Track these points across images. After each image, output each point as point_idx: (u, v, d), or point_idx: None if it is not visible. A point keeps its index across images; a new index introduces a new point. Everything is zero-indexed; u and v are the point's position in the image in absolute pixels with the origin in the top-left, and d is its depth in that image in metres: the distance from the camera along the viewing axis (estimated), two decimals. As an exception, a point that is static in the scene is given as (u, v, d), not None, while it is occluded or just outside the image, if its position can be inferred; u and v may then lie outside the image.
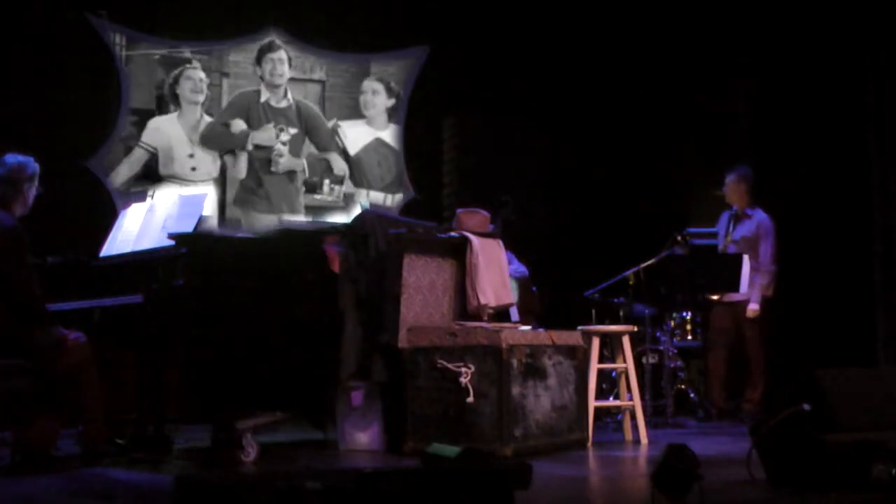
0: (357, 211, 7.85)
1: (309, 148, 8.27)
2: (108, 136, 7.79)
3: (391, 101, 8.53)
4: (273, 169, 8.10)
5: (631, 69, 8.68)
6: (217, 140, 8.02)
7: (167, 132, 7.88)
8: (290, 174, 8.17)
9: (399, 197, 8.47)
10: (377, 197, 8.38)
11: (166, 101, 7.93)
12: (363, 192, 8.34)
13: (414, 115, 8.62)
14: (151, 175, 7.80)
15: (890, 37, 7.16)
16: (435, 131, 8.82)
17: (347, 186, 8.34)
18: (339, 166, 8.31)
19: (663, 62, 8.61)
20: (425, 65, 8.62)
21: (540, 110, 8.70)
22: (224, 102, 8.10)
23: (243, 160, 8.04)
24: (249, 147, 8.07)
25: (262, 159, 8.12)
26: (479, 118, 8.66)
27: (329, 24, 8.39)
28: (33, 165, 4.89)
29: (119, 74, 7.84)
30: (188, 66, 7.96)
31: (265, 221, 8.01)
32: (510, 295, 6.01)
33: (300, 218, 8.12)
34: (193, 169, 7.87)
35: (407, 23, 8.51)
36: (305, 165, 8.20)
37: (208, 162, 7.95)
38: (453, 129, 8.81)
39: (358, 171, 8.38)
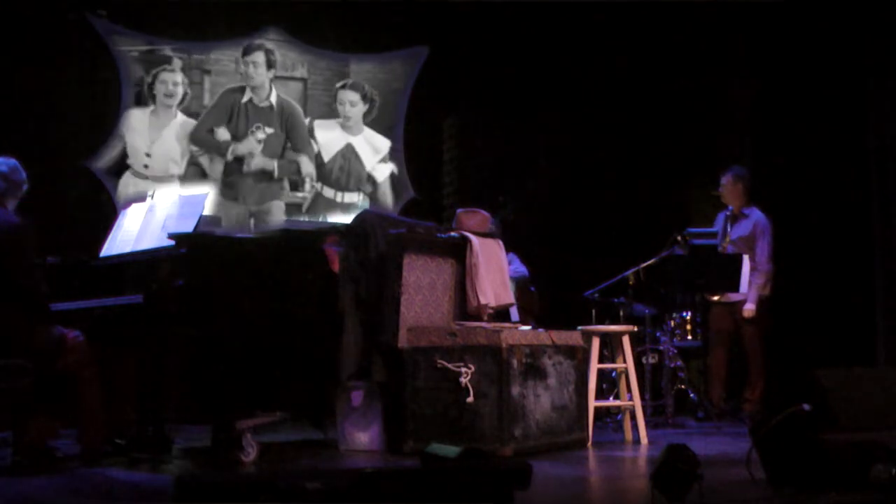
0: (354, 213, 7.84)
1: (285, 148, 8.24)
2: (108, 136, 7.80)
3: (366, 107, 8.51)
4: (245, 169, 8.08)
5: (631, 69, 8.67)
6: (203, 144, 8.03)
7: (134, 125, 7.87)
8: (261, 174, 8.13)
9: (355, 195, 8.41)
10: (328, 192, 8.35)
11: (144, 98, 7.92)
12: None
13: (414, 115, 8.62)
14: (120, 165, 7.80)
15: (890, 35, 7.16)
16: (435, 131, 8.82)
17: (318, 186, 8.33)
18: (307, 169, 8.27)
19: (663, 62, 8.60)
20: (425, 65, 8.62)
21: (540, 110, 8.70)
22: (206, 100, 8.08)
23: (220, 165, 8.04)
24: (229, 158, 8.06)
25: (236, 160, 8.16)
26: (479, 118, 8.66)
27: (328, 25, 8.38)
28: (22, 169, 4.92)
29: (119, 74, 7.84)
30: (167, 66, 7.93)
31: (235, 214, 7.99)
32: (510, 295, 6.01)
33: (276, 215, 8.11)
34: (146, 167, 7.87)
35: (407, 23, 8.50)
36: (276, 167, 8.16)
37: (166, 161, 7.91)
38: (453, 129, 8.81)
39: (322, 173, 8.36)
